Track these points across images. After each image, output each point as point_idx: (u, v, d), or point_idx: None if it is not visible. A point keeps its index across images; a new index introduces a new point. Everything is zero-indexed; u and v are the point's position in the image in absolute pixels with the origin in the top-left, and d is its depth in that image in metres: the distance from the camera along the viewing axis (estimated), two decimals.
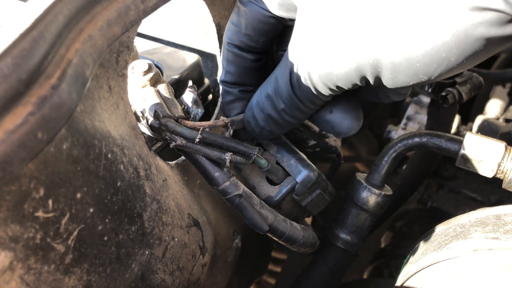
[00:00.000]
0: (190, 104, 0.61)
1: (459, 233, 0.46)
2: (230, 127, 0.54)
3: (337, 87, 0.44)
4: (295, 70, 0.46)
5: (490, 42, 0.36)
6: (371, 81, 0.42)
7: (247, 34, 0.50)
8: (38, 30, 0.30)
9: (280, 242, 0.55)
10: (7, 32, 0.29)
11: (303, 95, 0.47)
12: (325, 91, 0.45)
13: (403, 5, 0.37)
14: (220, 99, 0.71)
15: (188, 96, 0.62)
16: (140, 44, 0.75)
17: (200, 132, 0.49)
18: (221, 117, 0.55)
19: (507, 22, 0.34)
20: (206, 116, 0.75)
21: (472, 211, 0.49)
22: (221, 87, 0.56)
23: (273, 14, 0.48)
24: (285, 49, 0.51)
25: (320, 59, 0.43)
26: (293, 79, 0.46)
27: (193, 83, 0.69)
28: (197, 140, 0.49)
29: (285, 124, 0.51)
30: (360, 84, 0.43)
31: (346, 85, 0.43)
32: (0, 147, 0.27)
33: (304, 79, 0.45)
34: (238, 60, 0.52)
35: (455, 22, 0.35)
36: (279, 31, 0.51)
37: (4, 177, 0.28)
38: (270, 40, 0.52)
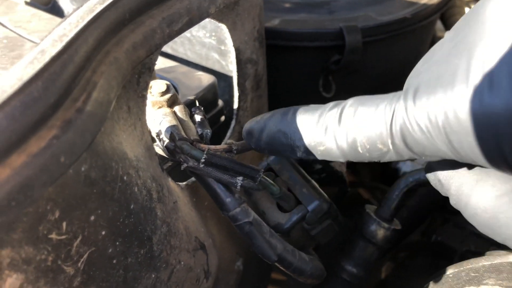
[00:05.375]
0: (196, 125, 0.59)
1: (472, 277, 0.46)
2: (234, 150, 0.52)
3: None
4: None
5: None
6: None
7: None
8: (69, 53, 0.30)
9: (287, 272, 0.54)
10: (38, 54, 0.29)
11: None
12: None
13: None
14: (233, 122, 0.71)
15: (195, 118, 0.60)
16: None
17: (205, 153, 0.48)
18: (230, 141, 0.54)
19: None
20: (218, 138, 0.74)
21: (486, 256, 0.48)
22: None
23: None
24: None
25: None
26: None
27: (207, 105, 0.69)
28: (202, 161, 0.48)
29: None
30: None
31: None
32: (24, 171, 0.27)
33: None
34: None
35: None
36: None
37: (24, 202, 0.27)
38: None
